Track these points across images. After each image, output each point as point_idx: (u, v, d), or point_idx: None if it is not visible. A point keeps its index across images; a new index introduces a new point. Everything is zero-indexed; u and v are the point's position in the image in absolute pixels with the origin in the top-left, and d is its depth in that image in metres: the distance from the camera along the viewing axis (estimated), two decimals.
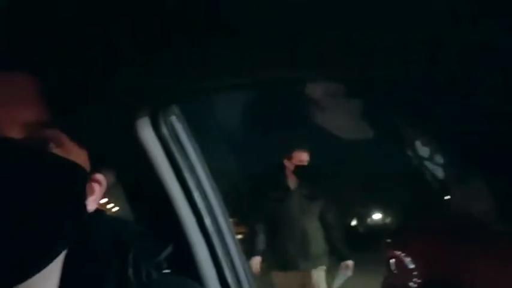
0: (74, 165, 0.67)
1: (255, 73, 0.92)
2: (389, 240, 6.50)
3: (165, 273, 0.82)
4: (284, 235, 3.86)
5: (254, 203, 4.29)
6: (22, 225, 0.61)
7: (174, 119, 1.14)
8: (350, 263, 4.08)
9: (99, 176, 0.76)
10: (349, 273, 4.11)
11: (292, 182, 4.01)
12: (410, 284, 5.27)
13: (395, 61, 0.72)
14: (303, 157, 3.97)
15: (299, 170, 3.93)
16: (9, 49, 0.72)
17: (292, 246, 3.84)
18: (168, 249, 0.83)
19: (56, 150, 0.67)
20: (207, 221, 1.09)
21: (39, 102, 0.67)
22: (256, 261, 3.88)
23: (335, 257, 4.08)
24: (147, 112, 1.07)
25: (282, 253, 3.86)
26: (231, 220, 1.16)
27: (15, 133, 0.64)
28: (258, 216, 4.04)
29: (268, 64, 0.87)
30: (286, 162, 4.00)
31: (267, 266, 3.93)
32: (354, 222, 19.90)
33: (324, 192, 4.13)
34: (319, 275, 3.92)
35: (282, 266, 3.89)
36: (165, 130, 1.10)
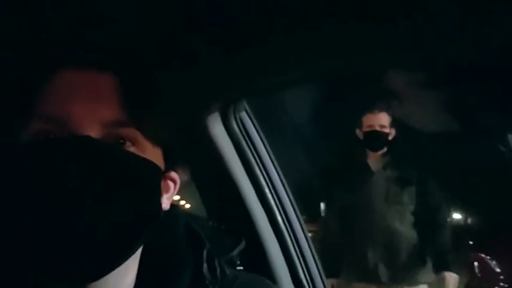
0: (150, 164, 0.68)
1: (322, 67, 0.90)
2: (471, 242, 6.26)
3: (238, 269, 0.81)
4: (361, 235, 2.77)
5: (325, 195, 3.12)
6: (99, 223, 0.62)
7: (244, 114, 1.13)
8: (455, 277, 2.82)
9: (173, 174, 0.76)
10: None
11: (373, 161, 2.86)
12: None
13: (484, 48, 0.68)
14: (372, 120, 2.81)
15: (368, 136, 2.81)
16: (88, 47, 0.73)
17: (372, 251, 2.74)
18: (241, 245, 0.83)
19: (132, 149, 0.67)
20: (279, 217, 1.07)
21: (116, 101, 0.67)
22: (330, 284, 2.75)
23: (438, 268, 2.79)
24: (217, 108, 1.08)
25: (360, 260, 2.76)
26: (303, 217, 1.14)
27: (94, 131, 0.65)
28: (331, 211, 2.99)
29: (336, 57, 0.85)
30: (358, 133, 2.88)
31: (345, 274, 2.85)
32: None
33: (421, 174, 2.85)
34: None
35: (360, 276, 2.79)
36: (235, 126, 1.10)
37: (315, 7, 0.73)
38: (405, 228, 2.75)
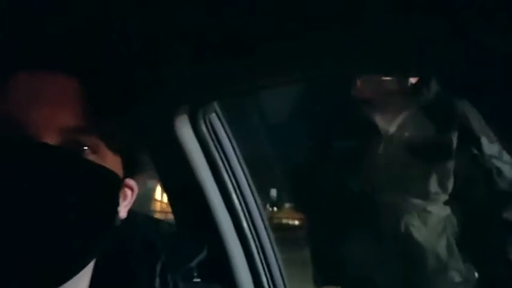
0: (109, 172, 0.66)
1: (295, 73, 0.88)
2: None
3: (195, 282, 0.79)
4: (359, 240, 1.67)
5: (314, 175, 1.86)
6: (54, 233, 0.60)
7: (213, 116, 1.11)
8: None
9: (131, 182, 0.74)
10: None
11: (382, 119, 1.70)
12: None
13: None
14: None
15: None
16: (50, 48, 0.70)
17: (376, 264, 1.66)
18: (201, 256, 0.81)
19: (92, 157, 0.65)
20: (245, 224, 1.05)
21: (79, 107, 0.65)
22: None
23: None
24: (186, 110, 1.05)
25: (358, 274, 1.71)
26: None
27: (53, 137, 0.62)
28: (319, 198, 1.84)
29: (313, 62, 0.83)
30: (355, 93, 1.74)
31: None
32: None
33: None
34: None
35: None
36: (204, 129, 1.07)
37: (288, 14, 0.71)
38: (429, 234, 1.66)
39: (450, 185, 1.65)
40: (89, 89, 0.66)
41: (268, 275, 1.04)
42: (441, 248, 1.66)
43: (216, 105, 1.11)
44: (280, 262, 1.07)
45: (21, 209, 0.59)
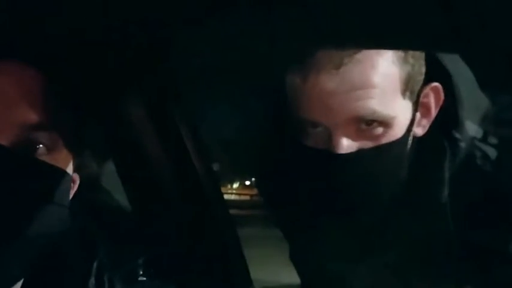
0: (61, 173, 0.64)
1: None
2: None
3: (139, 281, 0.76)
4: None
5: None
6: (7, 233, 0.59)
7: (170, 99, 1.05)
8: None
9: (75, 176, 0.71)
10: None
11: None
12: None
13: None
14: None
15: None
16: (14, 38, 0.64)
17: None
18: (148, 254, 0.78)
19: (46, 157, 0.62)
20: (207, 214, 1.01)
21: (40, 102, 0.62)
22: None
23: None
24: (139, 92, 0.99)
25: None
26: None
27: (9, 134, 0.59)
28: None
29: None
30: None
31: None
32: None
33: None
34: None
35: None
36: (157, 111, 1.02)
37: None
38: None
39: None
40: (50, 82, 0.63)
41: (224, 263, 1.01)
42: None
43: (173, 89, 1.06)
44: (243, 253, 1.03)
45: None
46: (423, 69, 0.86)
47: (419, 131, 0.89)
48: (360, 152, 0.82)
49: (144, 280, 0.76)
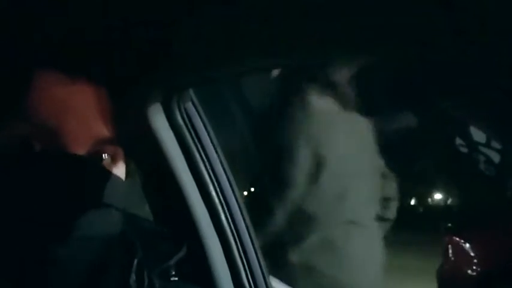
0: (121, 182, 0.70)
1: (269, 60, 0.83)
2: (450, 225, 6.36)
3: (172, 281, 0.74)
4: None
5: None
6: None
7: (189, 105, 1.05)
8: None
9: None
10: None
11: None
12: (469, 271, 5.11)
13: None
14: None
15: None
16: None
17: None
18: (180, 254, 0.77)
19: (109, 166, 0.68)
20: (223, 218, 0.99)
21: (106, 117, 0.68)
22: None
23: None
24: (159, 98, 0.98)
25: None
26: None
27: (85, 148, 0.65)
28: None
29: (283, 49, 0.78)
30: None
31: None
32: (413, 201, 19.56)
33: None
34: None
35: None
36: (179, 118, 1.01)
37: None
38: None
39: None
40: (112, 98, 0.69)
41: (247, 271, 0.99)
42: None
43: (191, 92, 1.05)
44: (261, 258, 1.02)
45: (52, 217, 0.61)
46: None
47: None
48: None
49: (176, 280, 0.75)
